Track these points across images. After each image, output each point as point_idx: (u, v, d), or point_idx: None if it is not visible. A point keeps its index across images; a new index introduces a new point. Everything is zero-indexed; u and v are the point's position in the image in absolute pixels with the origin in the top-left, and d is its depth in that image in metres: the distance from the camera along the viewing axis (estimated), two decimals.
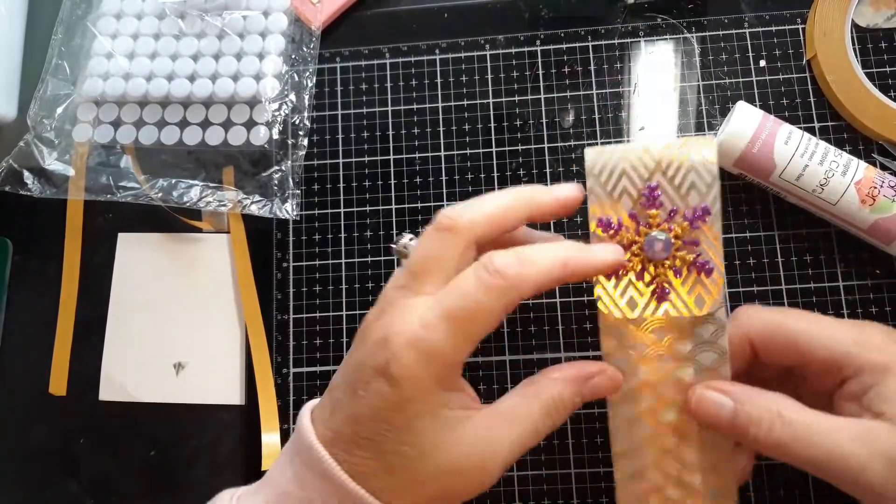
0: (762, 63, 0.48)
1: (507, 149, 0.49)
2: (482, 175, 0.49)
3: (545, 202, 0.34)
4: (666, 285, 0.34)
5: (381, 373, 0.31)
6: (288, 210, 0.49)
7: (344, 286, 0.48)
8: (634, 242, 0.35)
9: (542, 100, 0.50)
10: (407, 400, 0.31)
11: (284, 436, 0.46)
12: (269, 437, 0.46)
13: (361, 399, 0.31)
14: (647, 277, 0.34)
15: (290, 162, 0.50)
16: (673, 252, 0.34)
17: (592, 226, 0.35)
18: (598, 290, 0.35)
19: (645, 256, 0.34)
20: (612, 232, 0.35)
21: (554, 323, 0.46)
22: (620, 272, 0.35)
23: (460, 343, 0.31)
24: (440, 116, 0.50)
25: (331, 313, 0.48)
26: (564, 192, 0.35)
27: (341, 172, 0.50)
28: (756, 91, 0.48)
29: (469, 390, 0.34)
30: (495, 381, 0.46)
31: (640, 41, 0.50)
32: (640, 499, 0.35)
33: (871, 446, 0.30)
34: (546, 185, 0.48)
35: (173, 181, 0.50)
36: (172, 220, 0.50)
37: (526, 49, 0.51)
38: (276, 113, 0.50)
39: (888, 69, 0.47)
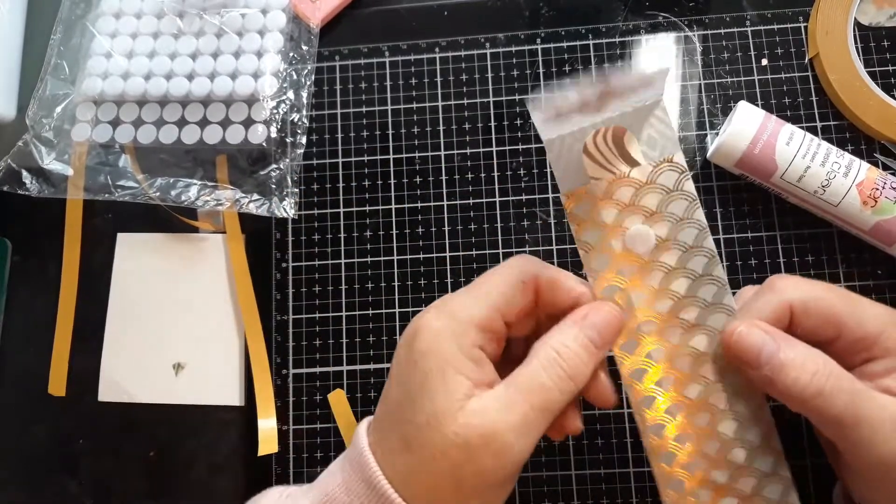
0: (764, 62, 0.48)
1: (507, 148, 0.49)
2: (482, 174, 0.49)
3: None
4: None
5: (408, 341, 0.32)
6: (286, 209, 0.48)
7: (344, 286, 0.48)
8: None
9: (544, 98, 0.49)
10: (422, 353, 0.31)
11: (283, 436, 0.46)
12: (266, 423, 0.46)
13: (390, 378, 0.33)
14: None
15: (288, 160, 0.49)
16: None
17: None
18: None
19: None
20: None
21: None
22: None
23: (472, 304, 0.32)
24: (440, 115, 0.50)
25: (331, 313, 0.48)
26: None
27: (341, 172, 0.50)
28: (758, 90, 0.48)
29: (489, 370, 0.33)
30: None
31: (641, 39, 0.50)
32: (684, 492, 0.34)
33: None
34: (546, 184, 0.48)
35: (171, 180, 0.50)
36: (172, 220, 0.50)
37: (526, 47, 0.50)
38: (275, 111, 0.49)
39: (891, 68, 0.47)
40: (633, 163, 0.33)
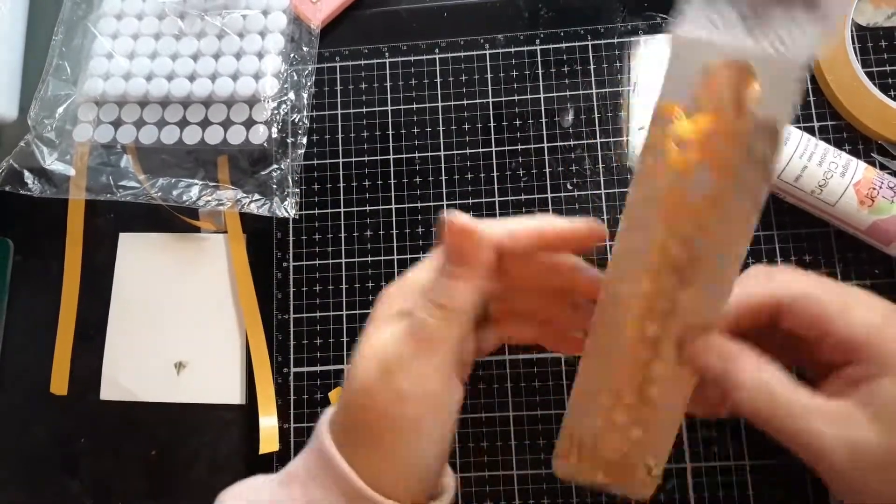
0: None
1: (506, 148, 0.49)
2: (482, 174, 0.49)
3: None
4: None
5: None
6: (287, 209, 0.49)
7: (344, 286, 0.48)
8: None
9: (542, 99, 0.50)
10: (371, 320, 0.33)
11: (284, 434, 0.46)
12: (266, 421, 0.46)
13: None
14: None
15: (289, 161, 0.50)
16: None
17: None
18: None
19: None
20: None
21: None
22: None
23: (421, 269, 0.34)
24: (440, 116, 0.50)
25: (331, 313, 0.48)
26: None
27: (341, 172, 0.50)
28: None
29: None
30: (495, 380, 0.46)
31: (639, 40, 0.50)
32: (595, 402, 0.33)
33: (841, 431, 0.30)
34: (545, 184, 0.48)
35: (173, 180, 0.50)
36: (174, 220, 0.50)
37: (525, 48, 0.51)
38: (276, 112, 0.50)
39: (888, 68, 0.47)
40: (740, 111, 0.30)
